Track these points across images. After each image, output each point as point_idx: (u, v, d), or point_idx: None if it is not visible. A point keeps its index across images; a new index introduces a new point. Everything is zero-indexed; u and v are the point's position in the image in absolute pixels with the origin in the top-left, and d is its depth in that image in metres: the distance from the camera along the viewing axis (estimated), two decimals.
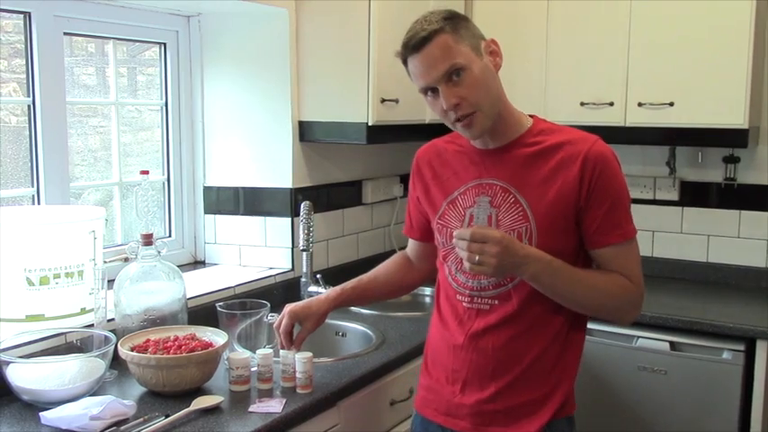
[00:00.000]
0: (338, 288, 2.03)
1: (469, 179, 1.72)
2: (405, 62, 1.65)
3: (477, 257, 1.54)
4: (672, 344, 2.68)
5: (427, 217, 1.86)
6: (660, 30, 2.87)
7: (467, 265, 1.57)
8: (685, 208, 3.24)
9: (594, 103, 2.99)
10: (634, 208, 3.24)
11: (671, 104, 2.85)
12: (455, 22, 1.60)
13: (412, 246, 2.02)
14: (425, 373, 1.86)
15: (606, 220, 1.63)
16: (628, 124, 2.95)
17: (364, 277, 2.05)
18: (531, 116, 1.74)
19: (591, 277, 1.66)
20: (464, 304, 1.73)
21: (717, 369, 2.62)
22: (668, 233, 3.27)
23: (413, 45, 1.59)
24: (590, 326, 2.76)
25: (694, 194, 3.22)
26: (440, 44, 1.57)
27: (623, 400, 2.78)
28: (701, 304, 2.91)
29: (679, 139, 2.97)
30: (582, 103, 3.01)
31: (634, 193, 3.26)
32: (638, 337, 2.73)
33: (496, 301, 1.69)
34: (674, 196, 3.24)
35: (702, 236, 3.21)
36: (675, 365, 2.68)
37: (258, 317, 2.12)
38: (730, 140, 2.86)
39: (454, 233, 1.59)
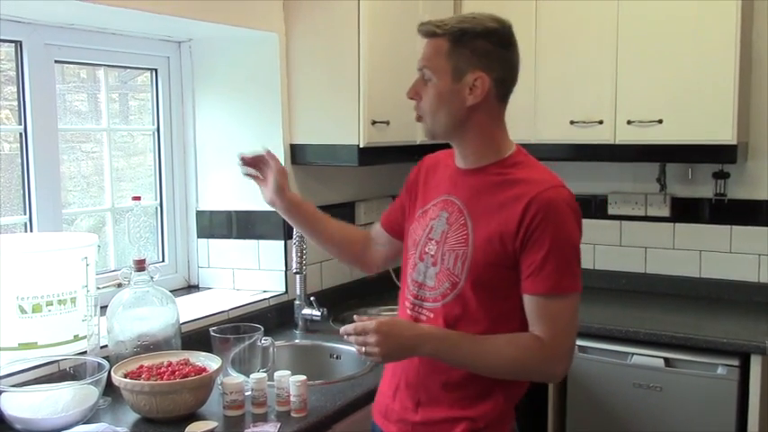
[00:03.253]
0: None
1: (441, 193, 1.76)
2: None
3: (363, 349, 1.60)
4: (666, 360, 2.69)
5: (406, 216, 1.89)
6: (647, 48, 2.90)
7: (360, 356, 1.64)
8: (677, 224, 3.26)
9: (584, 122, 3.02)
10: (627, 225, 3.33)
11: (660, 122, 2.87)
12: (465, 39, 1.63)
13: (378, 231, 2.02)
14: (382, 380, 1.89)
15: (540, 267, 1.57)
16: (617, 142, 2.97)
17: (323, 213, 2.05)
18: (516, 146, 1.74)
19: (492, 345, 1.62)
20: (408, 310, 1.76)
21: (712, 385, 2.62)
22: (660, 249, 3.29)
23: (421, 31, 1.68)
24: (584, 343, 2.82)
25: (685, 210, 3.24)
26: (433, 46, 1.66)
27: (619, 418, 2.78)
28: (695, 320, 2.92)
29: (669, 156, 2.99)
30: (572, 122, 3.03)
31: (625, 210, 3.32)
32: (633, 353, 2.73)
33: (431, 314, 1.71)
34: (666, 212, 3.25)
35: (694, 251, 3.23)
36: (670, 382, 2.68)
37: (252, 341, 2.11)
38: (719, 156, 2.89)
39: (340, 330, 1.64)
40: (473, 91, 1.63)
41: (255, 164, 1.97)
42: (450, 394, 1.69)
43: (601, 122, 2.98)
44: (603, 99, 2.98)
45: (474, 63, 1.63)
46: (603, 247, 3.40)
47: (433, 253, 1.71)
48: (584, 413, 2.85)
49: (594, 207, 3.40)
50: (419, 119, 1.71)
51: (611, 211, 3.36)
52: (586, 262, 3.36)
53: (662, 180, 3.23)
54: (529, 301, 1.61)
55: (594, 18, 2.99)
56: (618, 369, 2.76)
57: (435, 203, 1.75)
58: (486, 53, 1.63)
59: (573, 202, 1.63)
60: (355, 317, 1.65)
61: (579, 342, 2.81)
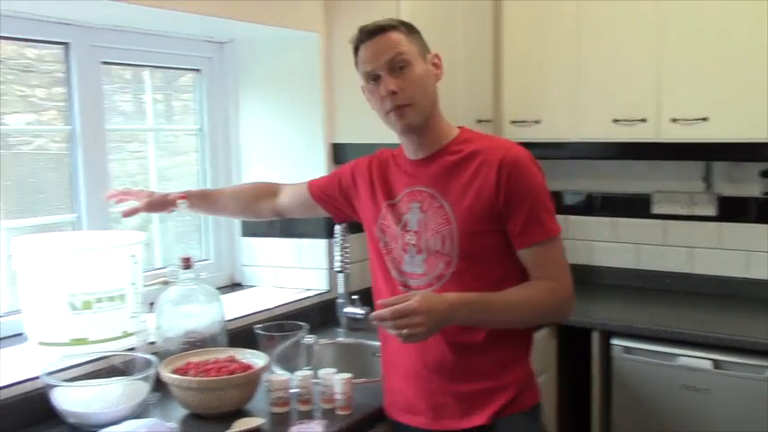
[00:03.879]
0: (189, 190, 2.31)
1: (403, 188, 1.83)
2: (356, 49, 1.80)
3: (405, 332, 1.58)
4: (714, 362, 2.64)
5: (346, 198, 2.02)
6: (693, 44, 2.85)
7: (400, 340, 1.61)
8: (723, 223, 3.20)
9: (627, 120, 2.98)
10: (671, 224, 3.30)
11: (705, 119, 2.83)
12: (410, 27, 1.78)
13: (299, 192, 2.16)
14: (386, 377, 1.94)
15: (528, 220, 1.70)
16: (661, 140, 2.93)
17: (216, 189, 2.30)
18: (459, 127, 1.84)
19: (515, 295, 1.72)
20: None
21: (761, 387, 2.56)
22: (706, 249, 3.23)
23: (368, 31, 1.76)
24: (629, 344, 2.79)
25: (732, 209, 3.18)
26: (392, 37, 1.74)
27: (665, 420, 2.74)
28: (743, 321, 2.86)
29: (714, 154, 2.95)
30: (614, 120, 3.00)
31: (670, 210, 3.27)
32: (680, 355, 2.69)
33: None
34: (712, 212, 3.20)
35: (741, 251, 3.17)
36: (718, 384, 2.64)
37: (296, 338, 2.12)
38: (766, 154, 2.83)
39: (371, 316, 1.64)
40: (437, 67, 1.79)
41: (125, 196, 2.19)
42: (476, 364, 1.75)
43: (644, 120, 2.95)
44: (647, 96, 2.94)
45: (425, 46, 1.79)
46: (647, 247, 3.36)
47: (414, 242, 1.79)
48: (629, 415, 2.82)
49: (638, 206, 3.36)
50: (401, 113, 1.74)
51: (655, 210, 3.31)
52: (629, 262, 3.37)
53: (708, 178, 3.18)
54: (527, 254, 1.73)
55: (638, 14, 2.95)
56: (664, 370, 2.72)
57: (402, 197, 1.82)
58: (422, 40, 1.80)
59: (531, 154, 1.77)
60: (380, 301, 1.65)
61: (624, 343, 2.80)
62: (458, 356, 1.76)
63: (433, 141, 1.80)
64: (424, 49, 1.78)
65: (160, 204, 2.20)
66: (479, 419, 1.75)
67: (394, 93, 1.72)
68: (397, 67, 1.72)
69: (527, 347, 1.85)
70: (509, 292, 1.72)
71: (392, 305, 1.59)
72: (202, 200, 2.27)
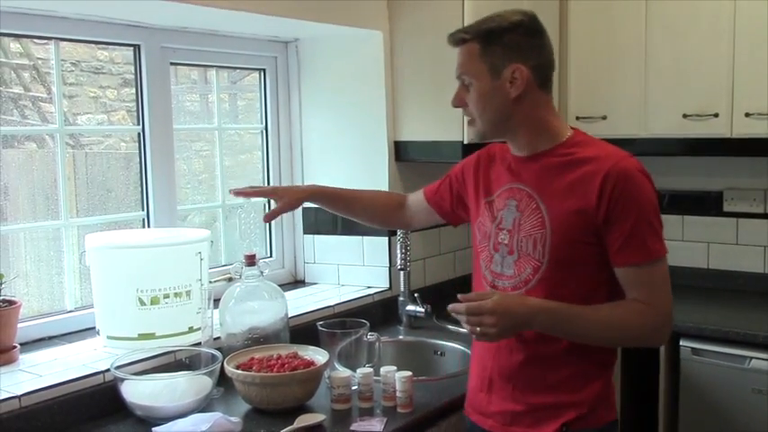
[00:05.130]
0: (319, 185, 2.20)
1: (504, 183, 1.78)
2: None
3: (478, 329, 1.58)
4: None
5: (459, 198, 1.98)
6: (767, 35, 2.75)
7: (473, 337, 1.62)
8: None
9: (698, 115, 2.89)
10: (743, 223, 3.18)
11: None
12: (493, 38, 1.67)
13: (418, 199, 2.13)
14: (470, 376, 1.91)
15: (629, 238, 1.61)
16: (734, 136, 2.84)
17: (349, 189, 2.18)
18: (573, 129, 1.77)
19: (601, 313, 1.64)
20: None
21: None
22: None
23: (450, 40, 1.74)
24: (698, 346, 2.71)
25: None
26: (465, 51, 1.71)
27: (736, 425, 2.65)
28: None
29: None
30: (684, 116, 2.92)
31: (742, 207, 3.17)
32: (751, 357, 2.61)
33: None
34: None
35: None
36: None
37: (358, 335, 2.13)
38: None
39: (448, 308, 1.62)
40: (514, 83, 1.67)
41: (248, 195, 2.10)
42: (549, 377, 1.70)
43: (716, 115, 2.86)
44: (719, 91, 2.85)
45: (508, 57, 1.67)
46: (718, 246, 3.25)
47: (506, 242, 1.73)
48: (697, 418, 2.74)
49: (708, 204, 3.26)
50: (471, 122, 1.76)
51: (727, 207, 3.21)
52: (699, 261, 3.27)
53: None
54: (624, 273, 1.64)
55: (709, 5, 2.86)
56: (735, 373, 2.63)
57: (500, 194, 1.78)
58: (516, 46, 1.67)
59: (643, 168, 1.66)
60: (460, 296, 1.62)
61: (693, 344, 2.72)
62: (532, 368, 1.71)
63: (534, 143, 1.72)
64: (501, 61, 1.66)
65: (292, 205, 2.09)
66: (546, 431, 1.71)
67: (458, 105, 1.75)
68: (464, 83, 1.73)
69: (607, 364, 1.75)
70: (596, 308, 1.64)
71: (471, 300, 1.59)
72: (332, 200, 2.15)
